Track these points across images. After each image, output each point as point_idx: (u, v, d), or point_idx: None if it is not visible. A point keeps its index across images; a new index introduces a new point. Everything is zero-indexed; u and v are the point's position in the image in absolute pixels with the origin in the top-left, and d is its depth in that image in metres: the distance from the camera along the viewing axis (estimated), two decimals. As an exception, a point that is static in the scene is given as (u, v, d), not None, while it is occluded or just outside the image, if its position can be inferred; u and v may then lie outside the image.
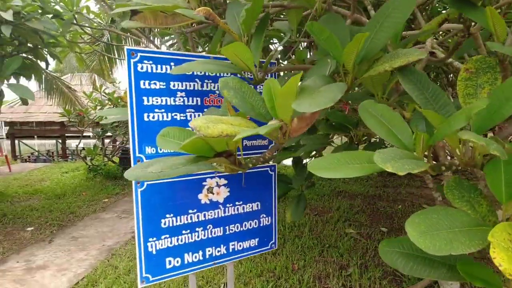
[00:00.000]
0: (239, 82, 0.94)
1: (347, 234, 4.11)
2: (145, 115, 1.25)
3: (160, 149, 1.29)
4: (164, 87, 1.27)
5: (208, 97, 1.38)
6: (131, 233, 4.13)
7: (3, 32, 3.15)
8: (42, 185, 6.57)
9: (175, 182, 1.33)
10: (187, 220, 1.38)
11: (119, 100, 6.66)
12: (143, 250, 1.29)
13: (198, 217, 1.41)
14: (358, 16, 1.40)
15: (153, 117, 1.26)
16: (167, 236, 1.34)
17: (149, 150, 1.27)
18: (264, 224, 1.62)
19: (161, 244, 1.33)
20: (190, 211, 1.39)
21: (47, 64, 4.19)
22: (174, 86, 1.29)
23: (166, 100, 1.28)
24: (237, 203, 1.52)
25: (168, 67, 1.27)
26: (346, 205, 5.26)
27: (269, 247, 1.65)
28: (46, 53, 4.35)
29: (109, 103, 6.55)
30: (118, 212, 5.00)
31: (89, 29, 4.32)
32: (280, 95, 0.82)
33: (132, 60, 1.20)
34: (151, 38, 5.20)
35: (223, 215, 1.48)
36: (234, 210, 1.51)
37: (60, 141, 12.91)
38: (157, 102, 1.26)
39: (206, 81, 1.37)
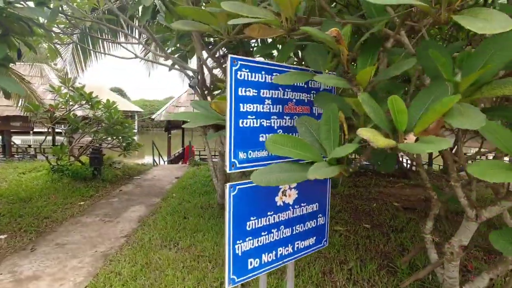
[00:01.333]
0: (369, 98, 1.05)
1: (337, 231, 4.39)
2: (240, 121, 1.29)
3: (249, 154, 1.34)
4: (256, 94, 1.32)
5: (287, 105, 1.46)
6: (122, 237, 3.93)
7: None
8: (-1, 187, 5.87)
9: (260, 186, 1.39)
10: (266, 222, 1.45)
11: (91, 98, 6.23)
12: (231, 252, 1.32)
13: (274, 218, 1.48)
14: (399, 36, 1.59)
15: (246, 123, 1.31)
16: (250, 238, 1.39)
17: (241, 155, 1.31)
18: (320, 223, 1.74)
19: (246, 246, 1.37)
20: (269, 213, 1.46)
21: (20, 54, 3.81)
22: (263, 94, 1.35)
23: (256, 107, 1.33)
24: (302, 204, 1.61)
25: (259, 75, 1.32)
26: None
27: (322, 244, 1.77)
28: (17, 42, 3.94)
29: (81, 99, 6.08)
30: (99, 216, 4.70)
31: (66, 18, 4.01)
32: (401, 112, 0.96)
33: (233, 68, 1.23)
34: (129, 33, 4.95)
35: (292, 216, 1.57)
36: (300, 211, 1.60)
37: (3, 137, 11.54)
38: (249, 108, 1.31)
39: (286, 90, 1.44)
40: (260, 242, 1.43)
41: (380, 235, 4.06)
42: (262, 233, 1.44)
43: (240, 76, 1.26)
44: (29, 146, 14.30)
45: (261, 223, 1.42)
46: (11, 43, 3.86)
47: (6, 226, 4.06)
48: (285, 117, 1.45)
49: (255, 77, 1.31)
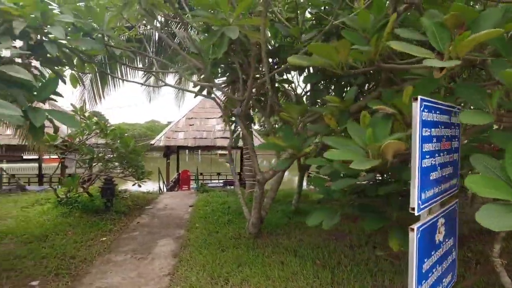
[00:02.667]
0: None
1: (378, 256, 4.36)
2: (423, 161, 1.28)
3: (428, 193, 1.32)
4: (431, 133, 1.33)
5: (442, 142, 1.47)
6: (165, 276, 3.68)
7: (49, 51, 2.70)
8: (4, 224, 5.39)
9: (432, 223, 1.36)
10: (431, 261, 1.41)
11: (106, 126, 6.02)
12: (416, 299, 1.27)
13: (435, 257, 1.44)
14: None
15: (425, 163, 1.30)
16: (424, 280, 1.34)
17: (423, 195, 1.29)
18: (453, 257, 1.71)
19: (422, 290, 1.32)
20: (432, 252, 1.42)
21: (64, 83, 3.65)
22: (436, 133, 1.35)
23: (432, 146, 1.33)
24: (446, 240, 1.59)
25: (435, 115, 1.33)
26: (356, 227, 5.55)
27: (454, 279, 1.74)
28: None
29: (96, 128, 5.85)
30: (128, 252, 4.40)
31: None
32: None
33: (419, 109, 1.24)
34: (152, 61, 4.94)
35: (442, 253, 1.54)
36: (446, 247, 1.58)
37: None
38: (428, 148, 1.30)
39: (444, 127, 1.46)
40: (427, 285, 1.39)
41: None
42: (429, 274, 1.39)
43: (424, 116, 1.26)
44: (13, 175, 13.42)
45: (428, 264, 1.38)
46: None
47: (34, 269, 3.70)
48: (441, 154, 1.46)
49: (433, 117, 1.32)
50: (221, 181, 15.68)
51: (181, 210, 7.01)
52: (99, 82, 6.54)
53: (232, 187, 12.58)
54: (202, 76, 4.82)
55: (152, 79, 9.96)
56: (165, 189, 11.76)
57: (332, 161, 2.71)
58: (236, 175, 5.48)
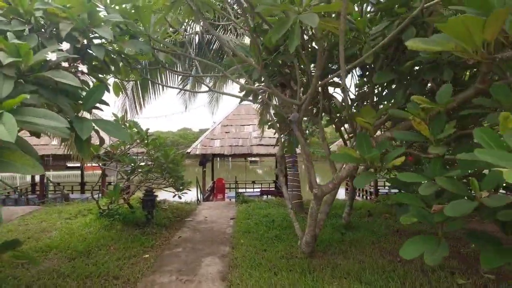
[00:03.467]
0: None
1: (461, 285, 3.65)
2: None
3: None
4: None
5: None
6: (216, 304, 3.27)
7: (97, 55, 2.42)
8: (49, 237, 5.32)
9: None
10: None
11: (147, 135, 5.84)
12: None
13: None
14: None
15: None
16: None
17: None
18: None
19: None
20: None
21: (108, 91, 3.42)
22: None
23: None
24: None
25: None
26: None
27: None
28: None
29: (138, 137, 5.68)
30: (173, 273, 4.06)
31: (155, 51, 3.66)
32: None
33: None
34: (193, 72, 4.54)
35: None
36: None
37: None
38: None
39: None
40: None
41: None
42: None
43: None
44: (58, 184, 13.99)
45: None
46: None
47: (77, 291, 3.46)
48: None
49: None
50: (256, 189, 15.29)
51: (222, 223, 6.64)
52: (139, 90, 6.40)
53: (270, 197, 12.15)
54: (245, 81, 4.45)
55: (189, 86, 9.86)
56: (201, 198, 11.54)
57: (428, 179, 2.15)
58: (284, 186, 5.00)
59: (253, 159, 26.84)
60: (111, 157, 5.52)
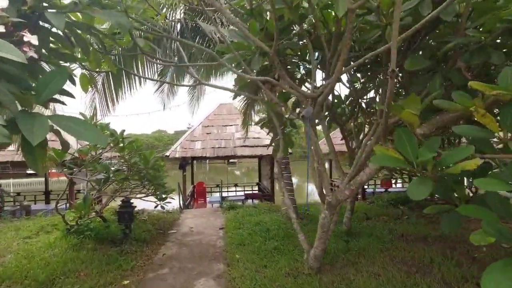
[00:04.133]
0: None
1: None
2: None
3: None
4: None
5: None
6: None
7: (54, 25, 1.70)
8: (1, 264, 4.37)
9: None
10: None
11: (123, 138, 5.03)
12: None
13: None
14: None
15: None
16: None
17: None
18: None
19: None
20: None
21: (74, 83, 2.66)
22: None
23: None
24: None
25: None
26: (435, 254, 4.44)
27: None
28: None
29: (112, 141, 4.85)
30: (160, 304, 3.34)
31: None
32: None
33: None
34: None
35: None
36: None
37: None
38: None
39: None
40: None
41: None
42: None
43: None
44: (18, 194, 12.51)
45: None
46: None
47: None
48: None
49: None
50: (239, 192, 14.62)
51: (211, 235, 5.94)
52: (112, 83, 5.44)
53: (256, 201, 11.56)
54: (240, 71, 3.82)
55: (168, 81, 9.01)
56: (183, 205, 10.68)
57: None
58: (286, 193, 4.43)
59: (231, 160, 26.09)
60: (79, 165, 4.65)
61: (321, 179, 3.37)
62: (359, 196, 12.36)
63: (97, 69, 3.27)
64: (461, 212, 1.82)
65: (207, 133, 11.72)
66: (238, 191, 14.93)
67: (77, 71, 3.26)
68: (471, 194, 2.71)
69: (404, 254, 4.53)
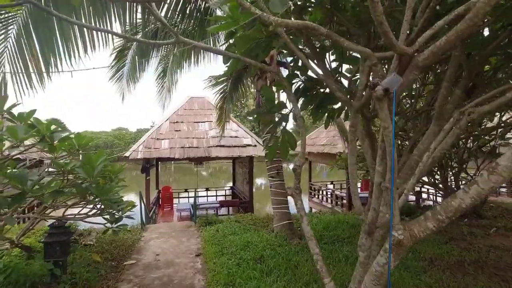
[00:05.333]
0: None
1: None
2: None
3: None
4: None
5: None
6: None
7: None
8: None
9: None
10: None
11: (52, 132, 3.32)
12: None
13: None
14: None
15: None
16: None
17: None
18: None
19: None
20: None
21: None
22: None
23: None
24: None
25: None
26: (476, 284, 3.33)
27: None
28: None
29: (34, 135, 3.12)
30: None
31: None
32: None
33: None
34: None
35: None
36: None
37: None
38: None
39: None
40: None
41: None
42: None
43: None
44: None
45: None
46: None
47: None
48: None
49: None
50: (211, 197, 12.99)
51: (185, 267, 4.36)
52: (36, 42, 3.26)
53: (231, 209, 10.03)
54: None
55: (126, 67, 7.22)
56: (144, 215, 8.84)
57: None
58: (304, 214, 3.03)
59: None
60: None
61: (352, 186, 2.05)
62: (344, 202, 11.23)
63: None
64: None
65: (176, 130, 9.99)
66: (210, 196, 13.30)
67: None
68: None
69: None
